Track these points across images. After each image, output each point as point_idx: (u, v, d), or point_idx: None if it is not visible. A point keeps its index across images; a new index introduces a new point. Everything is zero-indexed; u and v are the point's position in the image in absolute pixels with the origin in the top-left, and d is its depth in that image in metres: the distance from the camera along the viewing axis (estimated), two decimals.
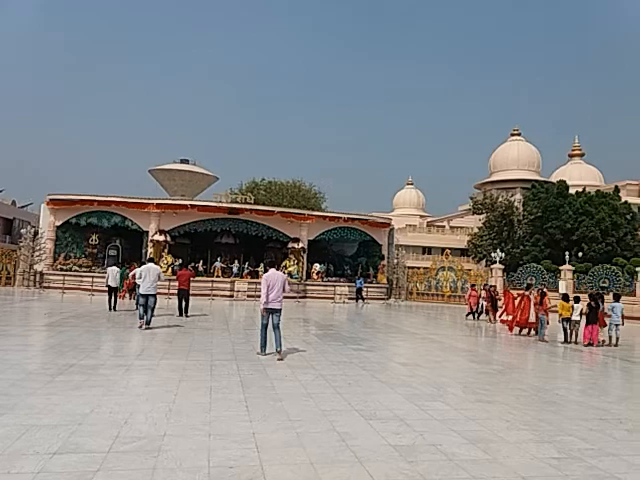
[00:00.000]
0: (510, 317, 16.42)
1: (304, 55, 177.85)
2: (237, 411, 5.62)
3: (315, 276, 29.30)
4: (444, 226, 63.19)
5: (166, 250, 26.69)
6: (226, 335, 12.03)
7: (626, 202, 42.71)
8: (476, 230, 46.22)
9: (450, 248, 41.21)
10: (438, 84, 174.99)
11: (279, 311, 9.10)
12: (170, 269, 25.29)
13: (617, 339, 13.78)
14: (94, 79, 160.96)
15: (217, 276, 26.90)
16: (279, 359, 8.81)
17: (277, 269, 9.52)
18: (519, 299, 16.20)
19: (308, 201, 48.83)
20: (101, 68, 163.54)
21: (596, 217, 39.45)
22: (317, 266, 29.48)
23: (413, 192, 79.78)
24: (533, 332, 15.51)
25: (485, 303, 20.36)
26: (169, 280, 21.46)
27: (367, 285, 29.81)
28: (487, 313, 20.07)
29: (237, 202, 29.31)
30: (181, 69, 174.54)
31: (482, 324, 19.09)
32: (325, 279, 29.76)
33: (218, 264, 27.59)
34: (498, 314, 18.28)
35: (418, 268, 36.46)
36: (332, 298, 27.62)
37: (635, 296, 25.39)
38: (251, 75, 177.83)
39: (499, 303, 19.38)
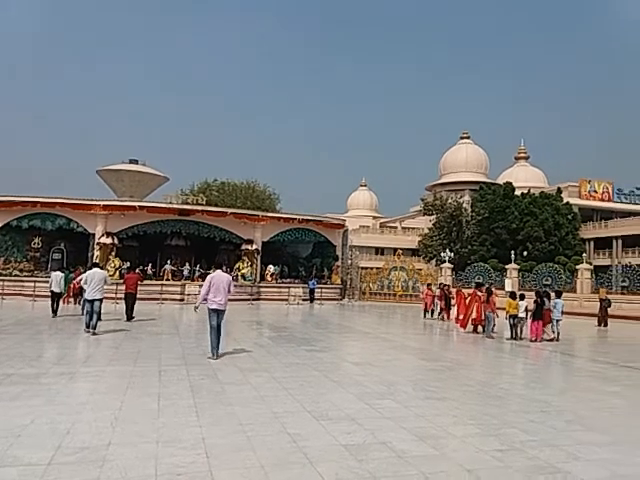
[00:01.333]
0: (462, 315, 16.87)
1: (260, 53, 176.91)
2: (186, 417, 5.51)
3: (269, 278, 29.15)
4: (396, 227, 64.32)
5: (113, 253, 25.87)
6: (176, 340, 11.78)
7: (568, 203, 44.85)
8: (427, 231, 47.35)
9: (402, 248, 42.00)
10: (391, 86, 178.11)
11: (223, 312, 9.32)
12: (117, 273, 24.53)
13: (558, 334, 14.42)
14: (41, 76, 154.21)
15: (167, 279, 26.30)
16: (214, 359, 9.00)
17: (224, 271, 9.73)
18: (470, 298, 16.67)
19: (262, 202, 48.58)
20: (48, 66, 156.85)
21: (540, 217, 41.23)
22: (271, 268, 29.35)
23: (367, 194, 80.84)
24: (480, 329, 15.99)
25: (439, 302, 20.84)
26: (116, 284, 20.80)
27: (321, 286, 29.95)
28: (441, 312, 20.55)
29: (188, 203, 28.76)
30: (129, 66, 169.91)
31: (436, 322, 19.53)
32: (279, 281, 29.67)
33: (168, 267, 26.99)
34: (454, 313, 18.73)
35: (371, 268, 36.94)
36: (286, 300, 27.55)
37: (576, 293, 26.64)
38: (204, 73, 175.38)
39: (452, 302, 19.88)
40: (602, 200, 52.22)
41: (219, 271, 9.47)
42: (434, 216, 45.44)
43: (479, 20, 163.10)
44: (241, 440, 4.82)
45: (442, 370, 9.15)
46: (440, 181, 61.87)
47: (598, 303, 20.20)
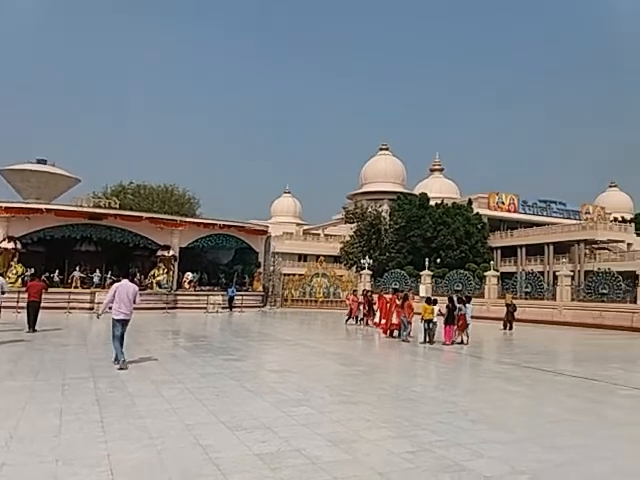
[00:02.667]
0: (384, 320, 17.29)
1: (177, 56, 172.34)
2: (91, 432, 5.18)
3: (187, 285, 28.30)
4: (319, 234, 65.08)
5: (15, 259, 24.02)
6: (83, 351, 11.11)
7: (477, 213, 47.68)
8: (348, 238, 48.32)
9: (324, 255, 42.57)
10: (313, 94, 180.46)
11: (128, 322, 9.27)
12: (20, 280, 22.78)
13: (467, 337, 15.17)
14: None
15: (75, 287, 24.77)
16: (120, 368, 8.79)
17: (131, 280, 9.79)
18: (390, 303, 17.14)
19: (181, 207, 47.25)
20: None
21: (452, 227, 43.48)
22: (189, 275, 28.53)
23: (290, 200, 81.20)
24: (396, 333, 16.48)
25: (363, 308, 21.18)
26: (19, 292, 19.28)
27: (242, 293, 29.50)
28: (364, 317, 20.90)
29: (100, 206, 27.39)
30: (32, 61, 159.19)
31: (359, 328, 19.85)
32: (198, 288, 28.91)
33: (77, 274, 25.43)
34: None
35: (294, 275, 37.04)
36: (205, 308, 26.87)
37: (484, 298, 28.25)
38: (119, 68, 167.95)
39: (375, 307, 20.31)
40: (509, 211, 55.91)
41: (125, 280, 9.43)
42: (355, 224, 46.51)
43: (398, 30, 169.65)
44: (150, 455, 4.61)
45: (358, 375, 9.32)
46: (361, 190, 63.58)
47: (504, 308, 21.52)
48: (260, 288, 31.80)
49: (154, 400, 6.71)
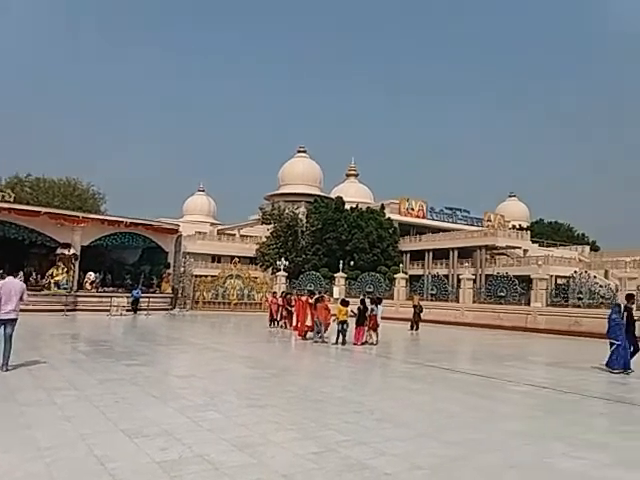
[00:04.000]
0: (300, 323, 17.28)
1: (69, 49, 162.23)
2: None
3: (89, 286, 26.68)
4: (234, 234, 64.11)
5: None
6: None
7: (389, 218, 49.39)
8: (264, 239, 48.09)
9: (239, 256, 41.92)
10: (232, 93, 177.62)
11: (14, 321, 8.70)
12: None
13: (377, 337, 15.57)
14: None
15: None
16: (4, 370, 8.37)
17: (26, 280, 9.28)
18: (305, 305, 17.18)
19: (85, 202, 44.52)
20: None
21: (366, 230, 44.72)
22: (91, 275, 26.92)
23: (205, 199, 79.27)
24: (311, 335, 16.58)
25: (282, 310, 20.97)
26: None
27: (149, 295, 28.26)
28: (282, 319, 20.71)
29: None
30: None
31: (276, 330, 19.68)
32: (101, 289, 27.35)
33: None
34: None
35: (206, 276, 36.15)
36: (108, 310, 25.43)
37: (393, 299, 29.30)
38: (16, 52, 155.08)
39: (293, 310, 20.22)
40: (418, 217, 58.42)
41: (10, 277, 9.01)
42: (272, 225, 46.39)
43: (316, 29, 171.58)
44: (39, 468, 4.26)
45: (268, 378, 9.25)
46: (279, 191, 63.59)
47: (412, 309, 22.44)
48: (169, 290, 30.66)
49: (46, 409, 6.24)
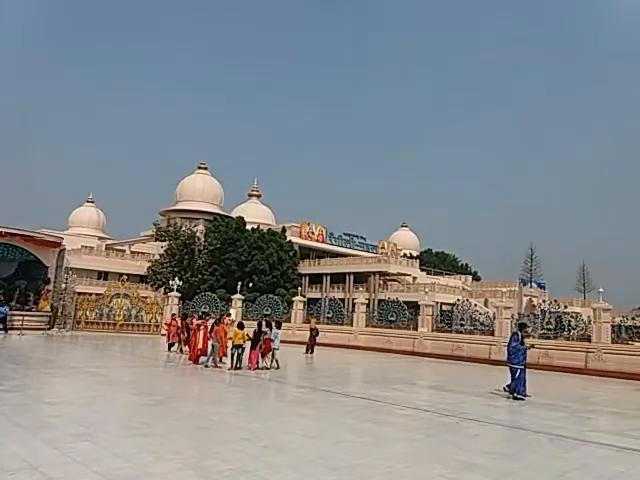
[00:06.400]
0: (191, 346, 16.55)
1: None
2: None
3: None
4: (124, 250, 60.81)
5: None
6: None
7: (290, 241, 49.79)
8: (157, 257, 46.09)
9: (129, 274, 39.76)
10: (135, 103, 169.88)
11: None
12: None
13: (277, 362, 15.35)
14: None
15: None
16: None
17: None
18: (195, 328, 16.56)
19: None
20: None
21: (266, 252, 44.64)
22: None
23: (93, 211, 74.61)
24: (203, 359, 15.98)
25: (180, 334, 19.81)
26: None
27: (24, 313, 25.78)
28: (180, 343, 19.54)
29: None
30: None
31: (172, 354, 18.53)
32: None
33: None
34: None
35: (91, 294, 33.75)
36: None
37: (291, 322, 29.34)
38: None
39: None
40: (317, 241, 59.53)
41: None
42: (167, 242, 44.65)
43: (219, 37, 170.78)
44: None
45: (153, 404, 8.75)
46: (175, 207, 61.48)
47: (308, 332, 22.59)
48: (47, 308, 28.19)
49: None
